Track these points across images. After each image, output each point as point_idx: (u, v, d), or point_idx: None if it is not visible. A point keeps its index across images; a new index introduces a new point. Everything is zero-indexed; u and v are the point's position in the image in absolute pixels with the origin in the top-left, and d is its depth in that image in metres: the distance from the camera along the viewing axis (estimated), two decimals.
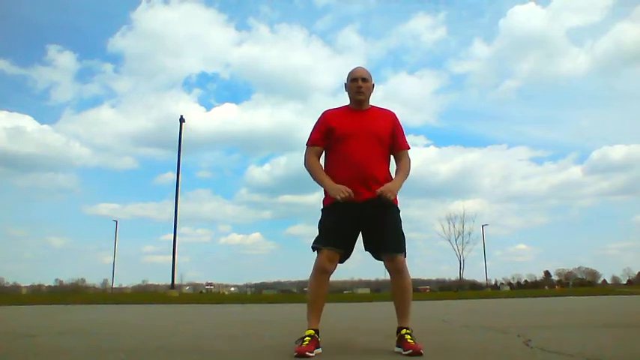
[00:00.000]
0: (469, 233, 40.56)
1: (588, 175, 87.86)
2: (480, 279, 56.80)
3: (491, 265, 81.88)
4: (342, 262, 2.68)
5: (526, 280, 76.73)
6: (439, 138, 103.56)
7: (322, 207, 2.71)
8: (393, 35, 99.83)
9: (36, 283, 71.03)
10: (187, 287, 71.62)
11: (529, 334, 3.17)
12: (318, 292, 2.59)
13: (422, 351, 2.33)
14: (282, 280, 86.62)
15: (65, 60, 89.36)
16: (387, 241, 2.57)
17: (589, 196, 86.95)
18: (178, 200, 23.34)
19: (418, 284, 74.79)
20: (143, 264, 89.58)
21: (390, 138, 2.71)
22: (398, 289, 2.59)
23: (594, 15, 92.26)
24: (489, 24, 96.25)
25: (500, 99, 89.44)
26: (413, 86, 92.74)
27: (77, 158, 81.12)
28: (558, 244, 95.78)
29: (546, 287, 55.96)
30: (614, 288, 37.40)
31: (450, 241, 41.08)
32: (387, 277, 2.65)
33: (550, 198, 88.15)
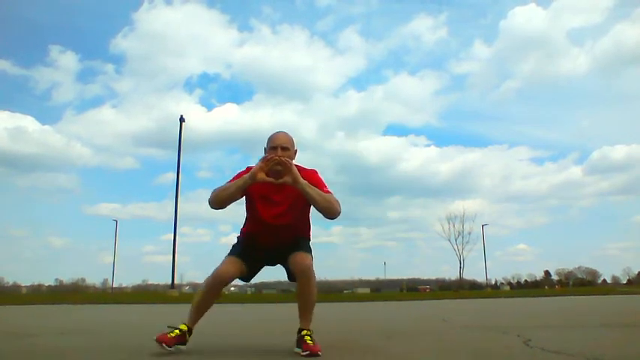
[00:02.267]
0: (469, 233, 40.53)
1: (588, 175, 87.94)
2: (480, 279, 56.88)
3: (491, 265, 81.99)
4: (246, 280, 2.71)
5: (526, 280, 76.77)
6: (440, 138, 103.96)
7: (238, 235, 2.76)
8: (394, 36, 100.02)
9: (36, 283, 71.14)
10: (187, 287, 71.53)
11: (529, 334, 3.17)
12: (208, 297, 2.58)
13: (320, 352, 2.36)
14: (282, 280, 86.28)
15: (67, 60, 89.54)
16: (293, 248, 2.59)
17: (589, 196, 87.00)
18: (178, 200, 23.27)
19: (418, 284, 74.82)
20: (143, 264, 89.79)
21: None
22: (303, 292, 2.54)
23: (595, 16, 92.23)
24: (490, 25, 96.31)
25: (501, 99, 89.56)
26: (414, 87, 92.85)
27: (78, 158, 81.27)
28: (558, 244, 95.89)
29: (546, 287, 55.94)
30: (614, 288, 37.43)
31: (450, 240, 41.03)
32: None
33: (550, 198, 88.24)
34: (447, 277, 75.20)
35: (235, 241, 2.77)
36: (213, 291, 2.56)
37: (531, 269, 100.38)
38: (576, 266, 73.84)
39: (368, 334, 3.71)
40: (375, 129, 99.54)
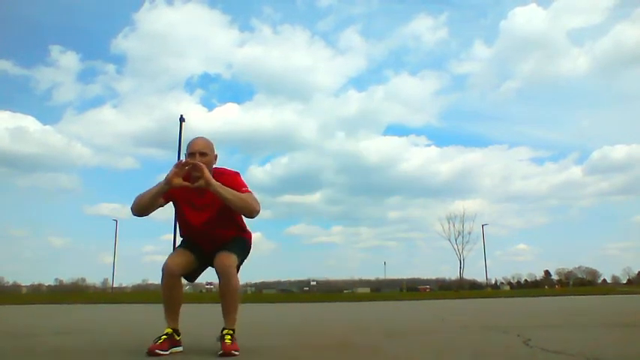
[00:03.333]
0: (469, 233, 40.38)
1: (588, 175, 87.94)
2: (480, 279, 56.86)
3: (492, 264, 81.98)
4: (190, 279, 2.70)
5: (526, 280, 76.83)
6: (440, 138, 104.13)
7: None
8: (394, 36, 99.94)
9: (36, 283, 71.16)
10: (187, 287, 71.60)
11: (529, 334, 3.17)
12: (170, 294, 2.58)
13: (235, 352, 2.39)
14: (282, 280, 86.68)
15: (68, 60, 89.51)
16: (221, 247, 2.59)
17: (589, 196, 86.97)
18: None
19: (418, 284, 74.87)
20: (143, 264, 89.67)
21: None
22: (223, 291, 2.55)
23: (595, 16, 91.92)
24: (490, 25, 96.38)
25: (501, 99, 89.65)
26: (414, 87, 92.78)
27: (78, 158, 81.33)
28: (558, 244, 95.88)
29: (546, 287, 55.95)
30: (614, 287, 37.45)
31: (450, 240, 40.89)
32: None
33: (550, 198, 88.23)
34: (447, 277, 75.32)
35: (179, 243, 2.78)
36: (169, 286, 2.55)
37: (531, 269, 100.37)
38: (576, 266, 73.96)
39: (368, 334, 3.71)
40: (375, 129, 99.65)
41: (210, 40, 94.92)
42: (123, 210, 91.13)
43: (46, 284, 71.33)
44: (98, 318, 6.48)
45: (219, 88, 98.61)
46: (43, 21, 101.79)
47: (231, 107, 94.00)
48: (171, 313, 2.58)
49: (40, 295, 32.09)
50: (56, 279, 72.62)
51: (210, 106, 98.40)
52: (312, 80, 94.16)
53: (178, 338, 2.56)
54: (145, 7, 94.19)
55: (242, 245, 2.71)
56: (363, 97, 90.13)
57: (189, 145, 2.61)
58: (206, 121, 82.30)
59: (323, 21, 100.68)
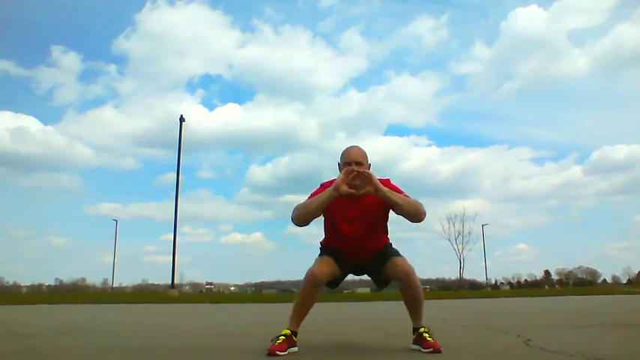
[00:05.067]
0: (469, 233, 40.51)
1: (588, 175, 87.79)
2: (480, 278, 56.78)
3: (492, 264, 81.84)
4: (332, 286, 2.72)
5: (526, 280, 76.76)
6: (440, 138, 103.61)
7: (320, 246, 2.78)
8: (395, 37, 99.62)
9: (36, 283, 71.06)
10: (187, 287, 71.58)
11: (529, 334, 3.17)
12: (306, 299, 2.58)
13: (441, 349, 2.39)
14: (283, 280, 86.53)
15: (69, 61, 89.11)
16: (385, 257, 2.61)
17: (589, 196, 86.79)
18: (178, 200, 23.23)
19: None
20: (143, 263, 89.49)
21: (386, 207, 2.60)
22: (413, 295, 2.57)
23: (595, 17, 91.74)
24: (491, 26, 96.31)
25: (502, 100, 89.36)
26: (415, 87, 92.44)
27: (79, 158, 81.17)
28: (558, 244, 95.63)
29: (546, 287, 55.96)
30: (614, 287, 37.42)
31: (450, 240, 41.03)
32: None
33: (550, 198, 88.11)
34: (447, 277, 75.14)
35: (320, 252, 2.76)
36: (310, 293, 2.56)
37: (531, 269, 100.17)
38: (576, 266, 73.92)
39: (368, 334, 3.70)
40: (376, 129, 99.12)
41: (211, 41, 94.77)
42: (123, 210, 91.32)
43: (46, 284, 71.27)
44: (98, 318, 6.48)
45: (220, 89, 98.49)
46: (45, 21, 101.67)
47: (232, 107, 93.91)
48: (299, 317, 2.59)
49: (40, 295, 32.05)
50: (56, 279, 72.56)
51: (211, 107, 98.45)
52: (313, 80, 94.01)
53: (295, 339, 2.55)
54: (146, 8, 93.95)
55: (397, 250, 2.72)
56: (364, 98, 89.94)
57: (344, 155, 2.64)
58: (207, 122, 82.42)
59: (324, 21, 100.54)
